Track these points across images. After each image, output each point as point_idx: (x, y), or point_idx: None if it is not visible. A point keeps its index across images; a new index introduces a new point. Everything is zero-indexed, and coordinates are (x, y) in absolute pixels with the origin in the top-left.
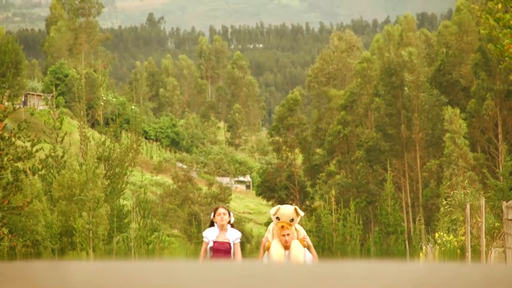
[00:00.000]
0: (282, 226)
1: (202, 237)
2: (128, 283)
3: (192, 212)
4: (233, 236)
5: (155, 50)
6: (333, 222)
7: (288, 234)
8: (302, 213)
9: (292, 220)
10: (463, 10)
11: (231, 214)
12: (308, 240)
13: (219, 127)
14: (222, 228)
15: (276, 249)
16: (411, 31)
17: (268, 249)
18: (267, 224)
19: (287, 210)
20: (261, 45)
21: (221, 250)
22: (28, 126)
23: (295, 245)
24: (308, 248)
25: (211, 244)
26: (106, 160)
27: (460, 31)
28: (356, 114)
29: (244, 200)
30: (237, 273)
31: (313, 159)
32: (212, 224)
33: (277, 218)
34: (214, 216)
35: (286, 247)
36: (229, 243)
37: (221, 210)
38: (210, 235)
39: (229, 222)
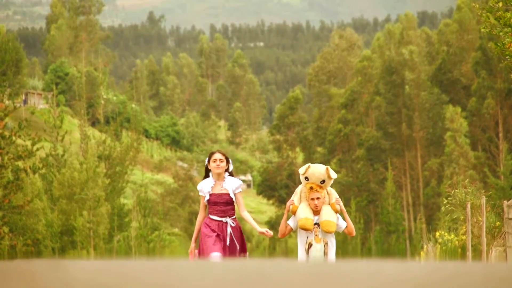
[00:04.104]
0: (311, 188)
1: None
2: (129, 282)
3: (192, 211)
4: (232, 185)
5: (155, 48)
6: None
7: (318, 198)
8: (334, 175)
9: (323, 182)
10: (464, 9)
11: (230, 160)
12: (341, 204)
13: (219, 126)
14: (218, 177)
15: (304, 213)
16: (411, 29)
17: (294, 212)
18: (268, 223)
19: (317, 169)
20: (261, 44)
21: (220, 203)
22: (28, 125)
23: (326, 211)
24: (341, 214)
25: (207, 197)
26: (107, 159)
27: (460, 29)
28: (357, 113)
29: (245, 199)
30: (237, 273)
31: (313, 158)
32: (207, 173)
33: (306, 178)
34: (208, 162)
35: (316, 212)
36: (228, 194)
37: (217, 156)
38: (206, 187)
39: (227, 170)
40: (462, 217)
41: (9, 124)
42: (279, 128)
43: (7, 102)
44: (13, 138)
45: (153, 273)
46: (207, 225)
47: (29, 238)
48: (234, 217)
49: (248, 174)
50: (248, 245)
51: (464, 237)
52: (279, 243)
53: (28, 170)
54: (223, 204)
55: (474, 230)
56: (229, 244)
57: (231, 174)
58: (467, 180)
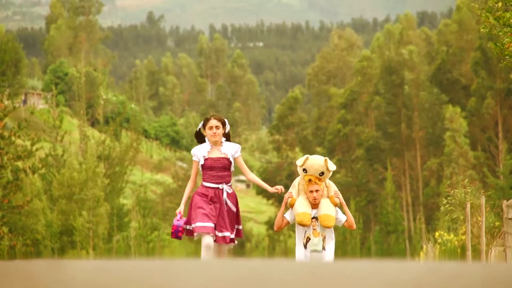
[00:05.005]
0: (310, 180)
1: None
2: (128, 282)
3: None
4: (231, 150)
5: (155, 48)
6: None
7: (317, 191)
8: (333, 167)
9: (322, 174)
10: (463, 9)
11: (227, 123)
12: (341, 197)
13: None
14: (215, 144)
15: (302, 206)
16: (411, 29)
17: (291, 206)
18: (267, 223)
19: (316, 161)
20: (261, 44)
21: (217, 167)
22: (28, 125)
23: (325, 204)
24: (341, 207)
25: (202, 161)
26: (106, 159)
27: (460, 29)
28: (356, 113)
29: (244, 199)
30: (237, 273)
31: None
32: (200, 138)
33: (304, 170)
34: (204, 128)
35: (314, 205)
36: (227, 159)
37: (213, 122)
38: (200, 151)
39: (224, 135)
40: (461, 217)
41: (9, 124)
42: (279, 128)
43: (6, 102)
44: (13, 138)
45: (152, 273)
46: (202, 194)
47: (28, 238)
48: (230, 184)
49: None
50: (248, 245)
51: (463, 237)
52: (279, 244)
53: (28, 170)
54: (220, 169)
55: (474, 230)
56: (226, 211)
57: (228, 137)
58: (467, 180)
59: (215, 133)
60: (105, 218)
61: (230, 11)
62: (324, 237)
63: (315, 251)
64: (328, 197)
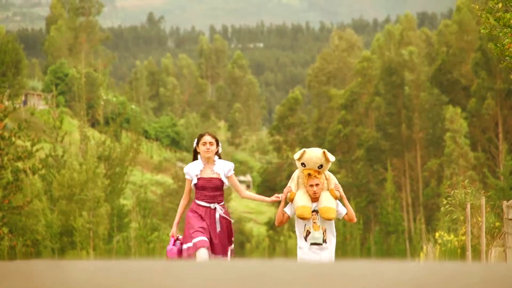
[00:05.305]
0: (309, 174)
1: None
2: (128, 282)
3: None
4: (224, 168)
5: (155, 49)
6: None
7: (317, 185)
8: (332, 158)
9: (321, 166)
10: (463, 9)
11: (220, 143)
12: (341, 189)
13: (219, 127)
14: (207, 161)
15: (302, 200)
16: (411, 30)
17: (291, 200)
18: (267, 223)
19: (314, 154)
20: (261, 44)
21: (209, 187)
22: (28, 126)
23: (325, 197)
24: (341, 200)
25: (195, 181)
26: (106, 160)
27: (460, 30)
28: (357, 114)
29: (244, 200)
30: (237, 273)
31: None
32: (195, 156)
33: (303, 164)
34: (197, 144)
35: (315, 199)
36: (219, 179)
37: (206, 138)
38: (193, 170)
39: (217, 153)
40: (461, 218)
41: (9, 125)
42: (279, 129)
43: (6, 103)
44: (13, 139)
45: (152, 274)
46: (194, 211)
47: (28, 238)
48: (222, 203)
49: (248, 174)
50: (248, 245)
51: (463, 238)
52: (279, 244)
53: (28, 171)
54: (212, 189)
55: (474, 230)
56: (219, 231)
57: (219, 157)
58: (467, 180)
59: (209, 149)
60: (105, 218)
61: (230, 12)
62: (325, 230)
63: (316, 244)
64: (328, 189)
